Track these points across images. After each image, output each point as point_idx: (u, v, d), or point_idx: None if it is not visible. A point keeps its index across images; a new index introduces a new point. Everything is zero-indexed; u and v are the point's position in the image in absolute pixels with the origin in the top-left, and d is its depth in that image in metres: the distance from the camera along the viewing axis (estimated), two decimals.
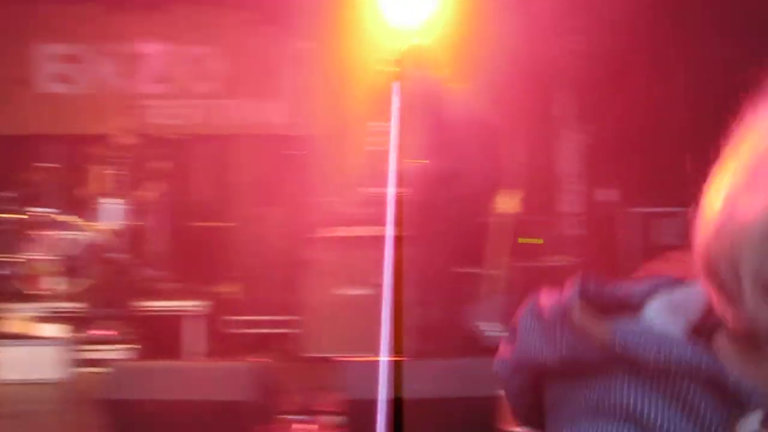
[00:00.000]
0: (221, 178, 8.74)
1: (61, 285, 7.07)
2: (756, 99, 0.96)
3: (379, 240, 6.40)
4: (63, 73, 8.82)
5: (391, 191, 6.31)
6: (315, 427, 4.94)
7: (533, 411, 1.08)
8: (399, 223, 4.95)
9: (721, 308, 0.91)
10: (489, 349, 6.00)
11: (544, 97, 7.91)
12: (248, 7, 8.44)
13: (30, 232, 7.17)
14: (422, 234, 5.68)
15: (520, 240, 7.21)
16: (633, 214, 7.29)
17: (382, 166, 5.84)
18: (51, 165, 7.80)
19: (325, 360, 5.47)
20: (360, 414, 4.45)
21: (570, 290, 1.02)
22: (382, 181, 6.37)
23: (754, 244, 0.87)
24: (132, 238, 7.41)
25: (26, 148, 8.20)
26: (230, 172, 8.70)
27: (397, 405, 4.11)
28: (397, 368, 4.24)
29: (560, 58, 8.03)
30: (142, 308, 7.05)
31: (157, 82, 8.87)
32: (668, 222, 7.20)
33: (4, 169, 7.83)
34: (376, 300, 6.28)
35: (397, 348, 4.35)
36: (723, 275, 0.89)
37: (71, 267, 7.11)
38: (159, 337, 6.82)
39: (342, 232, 6.74)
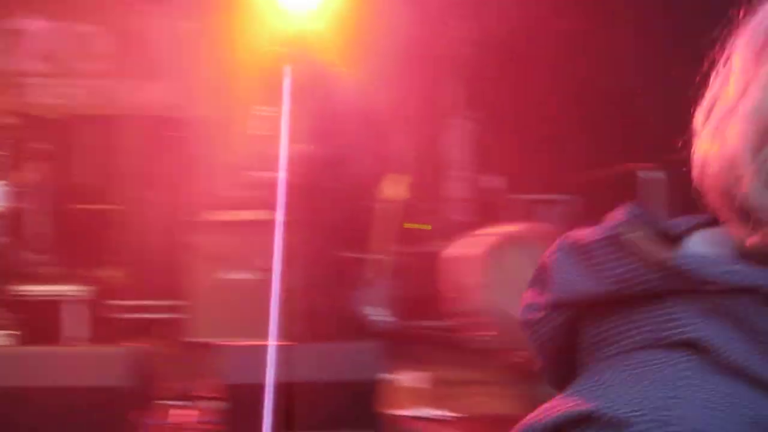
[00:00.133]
0: (105, 160, 8.54)
1: None
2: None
3: (265, 224, 6.35)
4: None
5: (278, 175, 6.28)
6: (194, 412, 4.88)
7: (562, 361, 1.01)
8: (286, 207, 4.92)
9: (752, 233, 0.89)
10: (375, 334, 6.04)
11: (433, 84, 7.96)
12: None
13: None
14: (309, 219, 5.66)
15: (407, 225, 7.25)
16: (517, 200, 7.41)
17: (269, 150, 5.80)
18: None
19: (207, 345, 5.41)
20: (241, 399, 4.42)
21: (620, 216, 0.96)
22: (269, 165, 6.34)
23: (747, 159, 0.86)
24: (11, 220, 7.20)
25: None
26: (114, 153, 8.50)
27: (282, 389, 4.10)
28: (283, 353, 4.23)
29: (449, 46, 8.08)
30: (21, 293, 6.85)
31: (39, 60, 8.61)
32: (550, 208, 7.35)
33: None
34: (261, 285, 6.25)
35: (283, 332, 4.34)
36: (737, 199, 0.88)
37: None
38: (39, 323, 6.65)
39: (227, 216, 6.66)
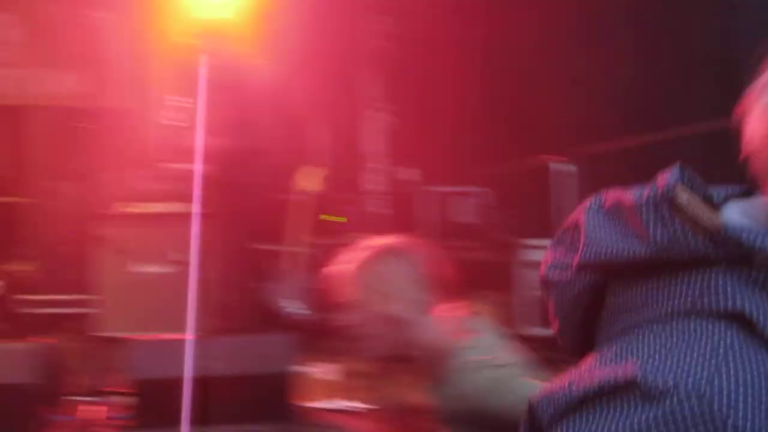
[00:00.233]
0: (14, 151, 8.34)
1: None
2: None
3: (179, 217, 6.29)
4: None
5: (192, 167, 6.21)
6: (103, 408, 4.81)
7: (582, 325, 0.97)
8: (200, 200, 4.87)
9: None
10: (290, 326, 6.01)
11: (349, 76, 7.95)
12: None
13: None
14: (223, 211, 5.62)
15: (323, 218, 7.24)
16: (432, 192, 7.46)
17: (183, 141, 5.74)
18: None
19: (118, 340, 5.33)
20: (151, 394, 4.37)
21: (669, 176, 0.92)
22: (183, 157, 6.27)
23: None
24: None
25: None
26: (24, 145, 8.31)
27: (195, 383, 4.06)
28: (196, 346, 4.19)
29: (366, 38, 8.08)
30: None
31: None
32: (464, 201, 7.42)
33: None
34: (174, 278, 6.18)
35: (197, 326, 4.29)
36: None
37: None
38: None
39: (140, 208, 6.57)
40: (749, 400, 0.77)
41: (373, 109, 8.12)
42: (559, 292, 0.98)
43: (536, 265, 5.37)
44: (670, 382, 0.78)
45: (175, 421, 4.15)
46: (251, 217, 5.86)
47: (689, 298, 0.86)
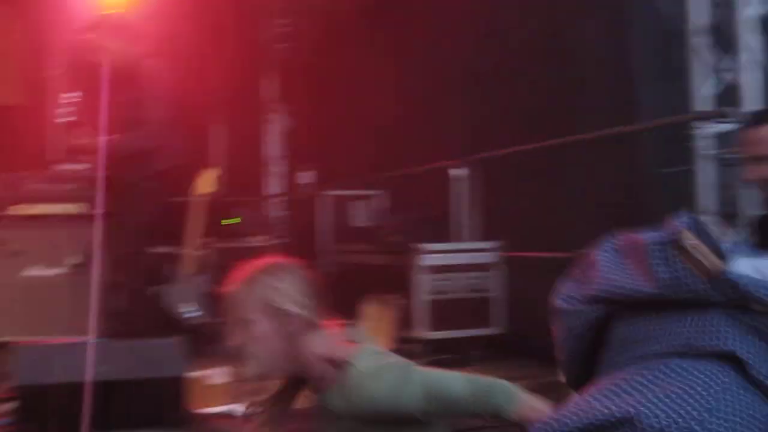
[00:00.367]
0: None
1: None
2: None
3: (71, 219, 6.16)
4: None
5: (86, 167, 6.08)
6: None
7: (584, 357, 1.02)
8: (96, 201, 4.78)
9: None
10: (186, 330, 5.93)
11: (248, 78, 7.91)
12: None
13: None
14: (118, 212, 5.51)
15: (221, 221, 7.18)
16: (330, 196, 7.46)
17: (77, 140, 5.61)
18: None
19: (6, 344, 5.18)
20: (36, 399, 4.26)
21: (678, 222, 0.98)
22: (76, 157, 6.14)
23: None
24: None
25: None
26: None
27: (88, 388, 3.97)
28: (89, 350, 4.10)
29: (266, 40, 8.05)
30: None
31: None
32: (362, 204, 7.44)
33: None
34: (66, 281, 6.05)
35: (90, 329, 4.21)
36: None
37: None
38: None
39: (32, 210, 6.40)
40: None
41: (273, 112, 8.09)
42: (569, 320, 1.04)
43: (433, 269, 5.41)
44: (663, 422, 0.82)
45: (64, 427, 4.06)
46: (147, 219, 5.76)
47: (688, 337, 0.91)
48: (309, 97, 7.87)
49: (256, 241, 7.38)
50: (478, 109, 6.71)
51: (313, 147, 8.02)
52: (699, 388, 0.85)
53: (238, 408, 4.83)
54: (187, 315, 6.39)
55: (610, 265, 0.99)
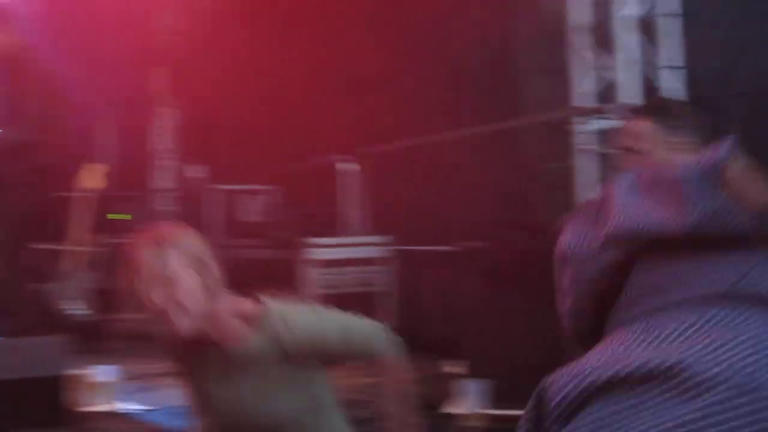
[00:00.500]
0: None
1: None
2: None
3: None
4: None
5: None
6: None
7: (599, 306, 0.90)
8: None
9: None
10: (70, 328, 5.81)
11: (137, 71, 7.78)
12: None
13: None
14: None
15: (109, 216, 7.04)
16: (219, 190, 7.39)
17: None
18: None
19: None
20: None
21: (721, 150, 0.87)
22: None
23: None
24: None
25: None
26: None
27: None
28: None
29: (155, 33, 7.94)
30: None
31: None
32: (251, 199, 7.40)
33: None
34: None
35: None
36: None
37: None
38: None
39: None
40: None
41: (161, 105, 7.98)
42: (579, 268, 0.93)
43: (322, 263, 5.40)
44: (716, 374, 0.75)
45: None
46: (28, 215, 5.62)
47: (727, 281, 0.83)
48: (199, 91, 7.79)
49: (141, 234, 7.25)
50: (366, 105, 6.75)
51: (204, 141, 7.94)
52: (748, 336, 0.78)
53: (122, 405, 4.77)
54: (71, 312, 6.26)
55: (632, 202, 0.88)
